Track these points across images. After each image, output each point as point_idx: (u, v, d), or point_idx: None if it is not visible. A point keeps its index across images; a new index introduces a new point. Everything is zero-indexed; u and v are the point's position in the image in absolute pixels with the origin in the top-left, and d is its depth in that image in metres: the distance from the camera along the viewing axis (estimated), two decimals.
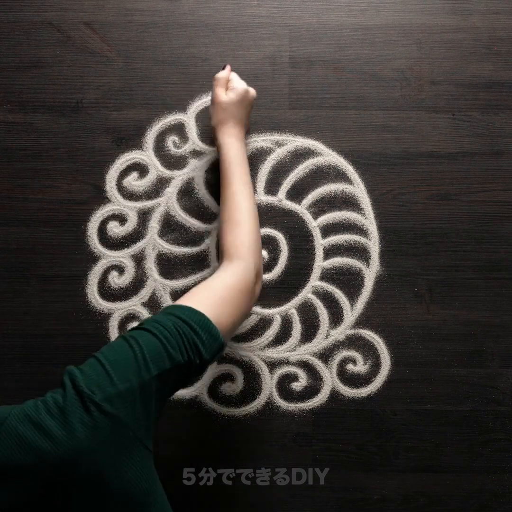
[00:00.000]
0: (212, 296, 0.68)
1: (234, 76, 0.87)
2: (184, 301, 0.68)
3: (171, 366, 0.60)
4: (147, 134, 0.93)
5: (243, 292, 0.71)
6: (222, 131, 0.83)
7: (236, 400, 0.91)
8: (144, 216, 0.93)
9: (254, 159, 0.93)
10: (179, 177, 0.93)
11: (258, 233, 0.78)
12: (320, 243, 0.92)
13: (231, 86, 0.85)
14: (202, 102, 0.94)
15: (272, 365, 0.91)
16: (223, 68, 0.87)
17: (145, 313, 0.91)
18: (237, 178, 0.80)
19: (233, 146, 0.82)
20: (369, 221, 0.92)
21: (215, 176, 0.93)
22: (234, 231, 0.77)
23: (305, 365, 0.91)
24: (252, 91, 0.86)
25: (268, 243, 0.92)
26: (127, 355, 0.59)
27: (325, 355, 0.91)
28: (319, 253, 0.92)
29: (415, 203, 0.92)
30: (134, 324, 0.91)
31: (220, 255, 0.77)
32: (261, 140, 0.93)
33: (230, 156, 0.82)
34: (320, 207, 0.93)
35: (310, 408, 0.91)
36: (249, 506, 0.90)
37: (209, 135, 0.93)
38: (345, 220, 0.93)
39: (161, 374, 0.59)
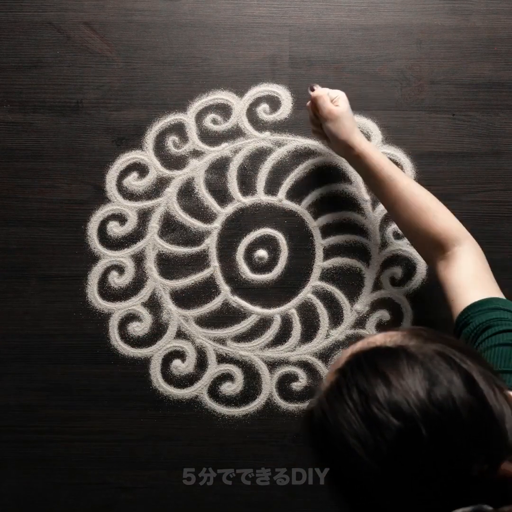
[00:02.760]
0: (492, 278, 0.74)
1: (326, 88, 0.86)
2: (488, 291, 0.70)
3: None
4: (147, 134, 0.93)
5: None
6: (356, 139, 0.82)
7: (236, 400, 0.91)
8: (144, 216, 0.93)
9: (254, 159, 0.93)
10: (179, 177, 0.93)
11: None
12: (320, 243, 0.92)
13: (334, 96, 0.84)
14: (202, 102, 0.94)
15: (272, 365, 0.91)
16: (312, 89, 0.85)
17: (145, 313, 0.91)
18: (399, 173, 0.81)
19: (372, 147, 0.82)
20: (369, 221, 0.92)
21: (215, 176, 0.93)
22: (442, 214, 0.78)
23: (305, 365, 0.91)
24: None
25: (268, 243, 0.92)
26: None
27: (325, 355, 0.91)
28: (319, 253, 0.92)
29: None
30: (134, 324, 0.91)
31: (435, 242, 0.77)
32: (261, 140, 0.93)
33: (377, 157, 0.81)
34: (320, 207, 0.93)
35: None
36: (249, 506, 0.90)
37: (209, 135, 0.93)
38: (345, 220, 0.93)
39: None
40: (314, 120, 0.86)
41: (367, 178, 0.83)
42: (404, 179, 0.80)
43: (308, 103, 0.86)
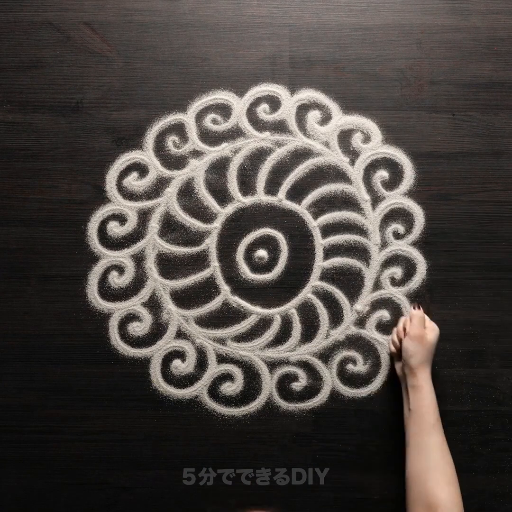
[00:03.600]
0: None
1: (425, 316, 0.88)
2: None
3: None
4: (147, 134, 0.93)
5: None
6: (423, 374, 0.83)
7: (236, 400, 0.91)
8: (144, 216, 0.93)
9: (254, 159, 0.93)
10: (179, 177, 0.93)
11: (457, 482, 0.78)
12: (320, 243, 0.92)
13: (428, 325, 0.86)
14: (202, 102, 0.94)
15: (272, 365, 0.91)
16: (416, 307, 0.87)
17: (145, 313, 0.91)
18: (434, 427, 0.80)
19: (431, 391, 0.82)
20: (369, 221, 0.92)
21: (215, 176, 0.93)
22: (449, 487, 0.76)
23: (305, 365, 0.91)
24: None
25: (268, 243, 0.92)
26: None
27: (325, 355, 0.91)
28: (319, 253, 0.92)
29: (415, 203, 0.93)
30: (134, 324, 0.91)
31: (422, 507, 0.76)
32: (261, 140, 0.93)
33: (428, 401, 0.81)
34: (320, 207, 0.93)
35: (310, 408, 0.91)
36: (249, 506, 0.90)
37: (209, 135, 0.93)
38: (345, 220, 0.93)
39: None
40: (396, 343, 0.88)
41: (409, 407, 0.83)
42: (434, 436, 0.79)
43: (400, 326, 0.88)
